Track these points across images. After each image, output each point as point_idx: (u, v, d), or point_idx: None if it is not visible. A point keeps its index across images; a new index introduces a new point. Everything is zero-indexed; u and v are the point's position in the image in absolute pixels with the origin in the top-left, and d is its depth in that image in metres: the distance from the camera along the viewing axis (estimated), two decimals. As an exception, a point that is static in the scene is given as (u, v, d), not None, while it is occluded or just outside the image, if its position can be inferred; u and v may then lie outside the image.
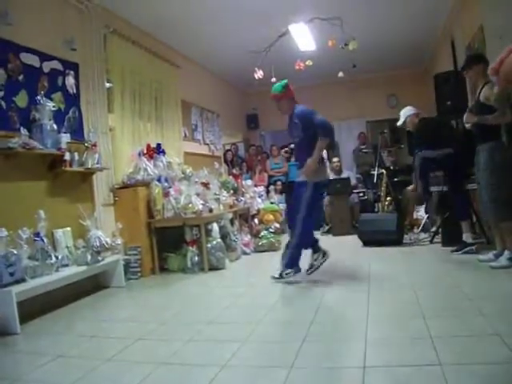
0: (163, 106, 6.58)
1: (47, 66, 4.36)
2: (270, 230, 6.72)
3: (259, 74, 6.79)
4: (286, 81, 4.38)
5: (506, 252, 4.01)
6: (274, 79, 7.06)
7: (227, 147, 9.41)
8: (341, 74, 7.16)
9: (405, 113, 5.48)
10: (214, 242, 5.32)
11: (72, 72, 4.69)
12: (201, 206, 5.33)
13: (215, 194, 6.00)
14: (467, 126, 4.19)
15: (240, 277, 4.94)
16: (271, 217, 7.15)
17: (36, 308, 3.70)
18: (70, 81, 4.65)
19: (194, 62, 7.80)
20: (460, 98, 4.48)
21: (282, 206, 8.29)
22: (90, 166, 4.60)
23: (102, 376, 2.43)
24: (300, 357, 2.44)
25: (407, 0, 5.89)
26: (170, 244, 5.45)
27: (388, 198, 7.05)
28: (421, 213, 6.53)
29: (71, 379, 2.38)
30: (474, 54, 4.77)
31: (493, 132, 3.94)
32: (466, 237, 4.93)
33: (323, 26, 6.02)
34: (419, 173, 5.32)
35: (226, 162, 8.95)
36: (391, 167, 7.62)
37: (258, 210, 7.29)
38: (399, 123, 5.57)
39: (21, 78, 4.03)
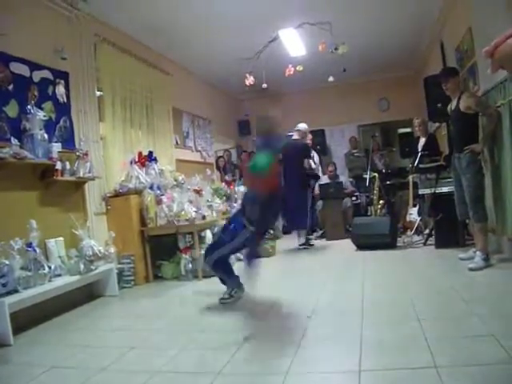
0: (154, 113, 6.57)
1: (37, 76, 4.34)
2: (264, 235, 6.69)
3: (250, 81, 6.80)
4: None
5: (479, 253, 4.22)
6: (265, 85, 7.09)
7: (219, 154, 9.40)
8: (331, 79, 7.17)
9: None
10: (208, 249, 5.31)
11: (62, 81, 4.67)
12: (193, 213, 5.32)
13: (208, 201, 5.99)
14: None
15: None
16: (264, 223, 7.13)
17: (29, 319, 3.67)
18: (60, 90, 4.63)
19: (184, 69, 7.80)
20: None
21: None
22: (81, 175, 4.58)
23: (97, 386, 2.41)
24: (295, 362, 2.43)
25: (396, 4, 5.94)
26: (164, 252, 5.43)
27: (381, 202, 7.08)
28: (414, 215, 6.56)
29: (65, 390, 2.36)
30: (449, 68, 5.16)
31: (473, 141, 4.30)
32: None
33: (313, 31, 6.04)
34: None
35: (218, 168, 8.93)
36: (383, 170, 7.64)
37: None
38: None
39: (11, 87, 4.02)
